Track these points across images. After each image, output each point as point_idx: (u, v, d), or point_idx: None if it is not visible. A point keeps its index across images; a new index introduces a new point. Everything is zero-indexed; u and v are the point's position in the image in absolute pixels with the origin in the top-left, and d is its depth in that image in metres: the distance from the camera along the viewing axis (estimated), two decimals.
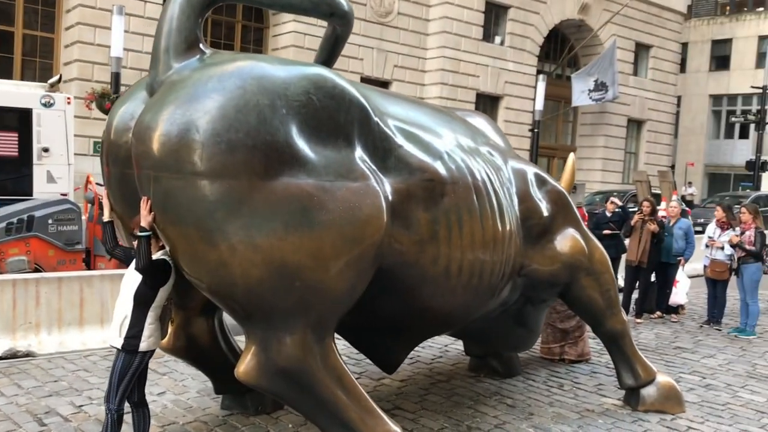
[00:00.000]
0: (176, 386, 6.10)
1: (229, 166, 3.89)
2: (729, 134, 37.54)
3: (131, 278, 4.30)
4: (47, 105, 11.88)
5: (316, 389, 4.17)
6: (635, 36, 31.03)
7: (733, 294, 10.14)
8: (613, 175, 31.32)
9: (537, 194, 5.63)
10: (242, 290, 3.99)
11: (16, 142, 11.63)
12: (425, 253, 4.60)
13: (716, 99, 37.87)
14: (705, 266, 9.58)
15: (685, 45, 35.69)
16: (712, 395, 6.49)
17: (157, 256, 4.25)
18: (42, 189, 11.76)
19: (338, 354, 4.32)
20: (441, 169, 4.76)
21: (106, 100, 14.84)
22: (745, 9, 37.84)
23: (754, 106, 35.13)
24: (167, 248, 4.23)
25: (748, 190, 27.25)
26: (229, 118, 3.90)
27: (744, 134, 36.58)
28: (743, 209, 9.08)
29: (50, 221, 8.94)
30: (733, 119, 33.13)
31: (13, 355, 6.89)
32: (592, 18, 29.29)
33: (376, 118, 4.51)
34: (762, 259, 8.94)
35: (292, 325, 4.10)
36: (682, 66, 35.74)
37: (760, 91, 31.14)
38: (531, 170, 5.77)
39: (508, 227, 5.10)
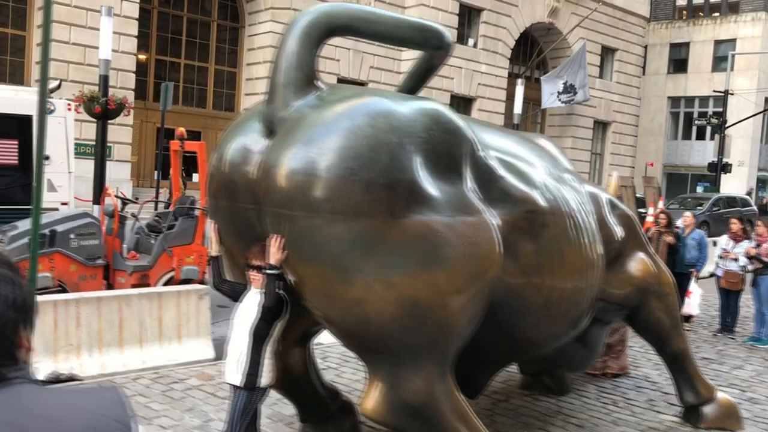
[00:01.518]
0: None
1: (365, 205, 3.89)
2: (687, 135, 38.67)
3: (245, 314, 4.24)
4: (47, 111, 11.52)
5: (440, 423, 4.19)
6: (601, 39, 31.71)
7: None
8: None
9: (611, 219, 5.75)
10: (375, 328, 3.99)
11: (16, 150, 11.28)
12: (530, 284, 4.66)
13: (674, 101, 38.92)
14: (719, 277, 9.91)
15: (644, 48, 36.59)
16: (759, 410, 6.73)
17: None
18: (42, 198, 11.40)
19: (456, 387, 4.35)
20: (540, 200, 4.82)
21: (95, 103, 14.43)
22: (701, 14, 38.98)
23: (711, 108, 36.36)
24: (288, 283, 4.19)
25: (714, 194, 28.10)
26: (364, 158, 3.89)
27: (701, 135, 37.73)
28: (759, 223, 9.44)
29: (72, 236, 8.67)
30: (697, 122, 34.15)
31: (56, 379, 6.69)
32: (560, 21, 29.80)
33: (480, 151, 4.55)
34: None
35: (419, 361, 4.11)
36: (642, 68, 36.67)
37: (717, 93, 32.21)
38: (603, 195, 5.89)
39: (597, 254, 5.21)
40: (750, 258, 9.25)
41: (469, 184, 4.40)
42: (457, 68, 26.77)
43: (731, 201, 25.67)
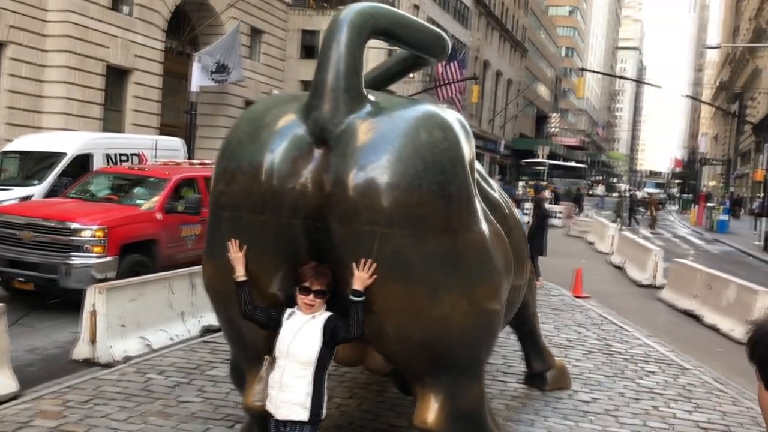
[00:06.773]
0: None
1: (452, 219, 3.87)
2: None
3: (300, 343, 3.80)
4: None
5: (484, 424, 4.36)
6: (251, 21, 32.24)
7: None
8: None
9: None
10: (452, 342, 3.96)
11: None
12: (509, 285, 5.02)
13: (306, 84, 41.46)
14: None
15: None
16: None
17: (324, 313, 3.88)
18: None
19: None
20: (504, 204, 5.20)
21: None
22: (326, 5, 42.05)
23: None
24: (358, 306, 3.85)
25: None
26: (447, 172, 3.86)
27: None
28: None
29: None
30: None
31: None
32: None
33: None
34: None
35: (477, 369, 4.21)
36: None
37: None
38: None
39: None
40: None
41: (477, 193, 4.57)
42: (113, 37, 24.69)
43: None
